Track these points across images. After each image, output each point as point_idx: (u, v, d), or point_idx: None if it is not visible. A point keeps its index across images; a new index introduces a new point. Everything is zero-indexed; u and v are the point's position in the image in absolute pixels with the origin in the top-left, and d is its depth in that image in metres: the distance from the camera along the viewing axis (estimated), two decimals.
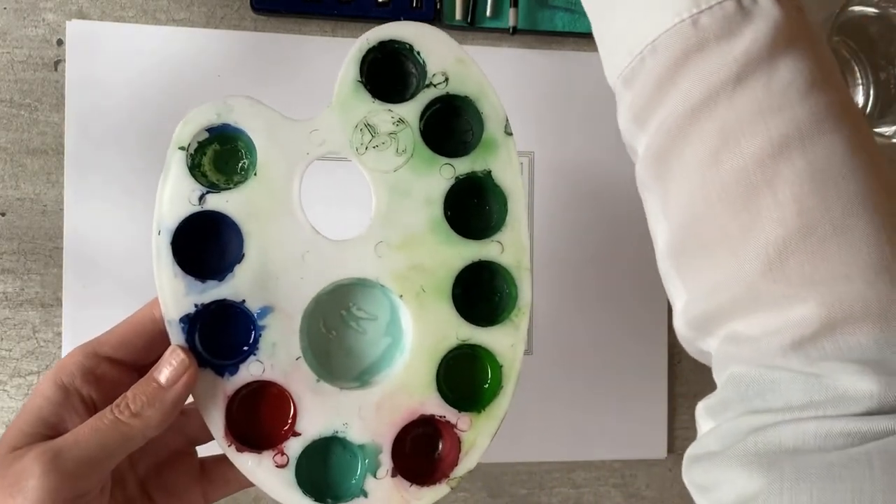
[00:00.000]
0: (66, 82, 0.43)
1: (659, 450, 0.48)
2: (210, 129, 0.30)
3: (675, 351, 0.48)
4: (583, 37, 0.46)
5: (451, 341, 0.31)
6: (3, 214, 0.43)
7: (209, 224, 0.30)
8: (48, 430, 0.27)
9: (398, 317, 0.32)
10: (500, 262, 0.31)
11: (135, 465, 0.32)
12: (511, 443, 0.47)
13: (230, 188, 0.30)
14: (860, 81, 0.44)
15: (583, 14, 0.46)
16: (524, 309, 0.32)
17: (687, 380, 0.48)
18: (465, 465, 0.31)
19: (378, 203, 0.31)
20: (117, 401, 0.28)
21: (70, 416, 0.28)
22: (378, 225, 0.31)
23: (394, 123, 0.31)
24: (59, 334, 0.43)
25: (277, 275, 0.30)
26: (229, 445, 0.30)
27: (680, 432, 0.48)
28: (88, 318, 0.43)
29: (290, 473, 0.30)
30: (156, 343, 0.30)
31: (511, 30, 0.45)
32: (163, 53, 0.44)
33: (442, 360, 0.31)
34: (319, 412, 0.30)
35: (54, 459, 0.26)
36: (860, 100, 0.44)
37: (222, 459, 0.32)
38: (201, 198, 0.29)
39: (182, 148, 0.29)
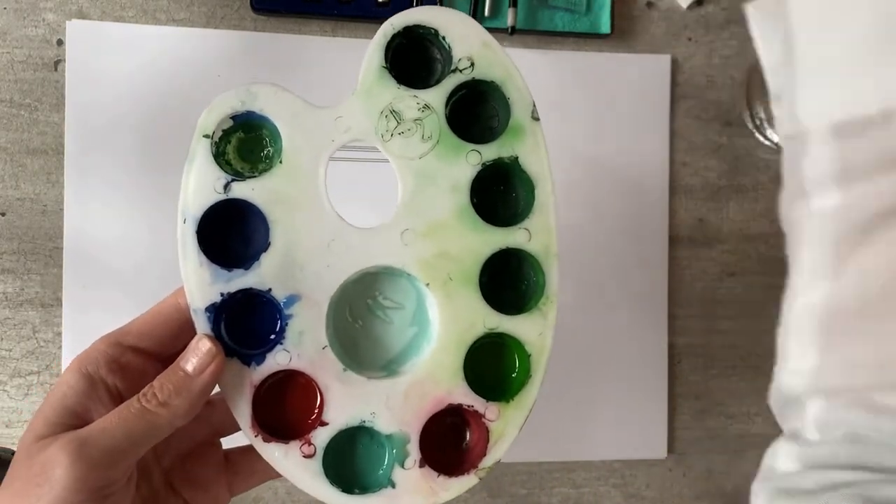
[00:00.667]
0: (66, 82, 0.43)
1: (659, 450, 0.48)
2: (234, 117, 0.30)
3: (675, 351, 0.48)
4: (582, 37, 0.47)
5: (478, 330, 0.31)
6: (3, 214, 0.43)
7: (234, 212, 0.29)
8: (74, 419, 0.27)
9: (425, 305, 0.32)
10: (528, 249, 0.31)
11: (160, 458, 0.31)
12: (511, 443, 0.47)
13: (255, 176, 0.29)
14: None
15: (582, 14, 0.46)
16: (552, 297, 0.31)
17: (687, 380, 0.48)
18: (494, 455, 0.31)
19: (404, 190, 0.30)
20: (144, 390, 0.27)
21: (95, 405, 0.27)
22: (404, 212, 0.30)
23: (419, 109, 0.30)
24: (59, 334, 0.43)
25: (304, 263, 0.29)
26: (256, 436, 0.29)
27: (680, 432, 0.48)
28: (88, 318, 0.43)
29: (317, 464, 0.30)
30: (181, 332, 0.29)
31: (510, 30, 0.45)
32: (163, 53, 0.44)
33: (469, 349, 0.31)
34: (346, 402, 0.30)
35: (81, 448, 0.25)
36: None
37: (248, 450, 0.31)
38: (226, 186, 0.29)
39: (206, 136, 0.29)
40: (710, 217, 0.48)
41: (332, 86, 0.44)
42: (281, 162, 0.29)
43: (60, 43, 0.43)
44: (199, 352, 0.28)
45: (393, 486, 0.30)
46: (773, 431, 0.50)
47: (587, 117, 0.47)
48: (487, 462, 0.31)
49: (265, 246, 0.29)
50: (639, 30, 0.48)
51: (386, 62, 0.30)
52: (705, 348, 0.49)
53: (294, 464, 0.30)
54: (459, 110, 0.31)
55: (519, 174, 0.31)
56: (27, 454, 0.26)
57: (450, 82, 0.31)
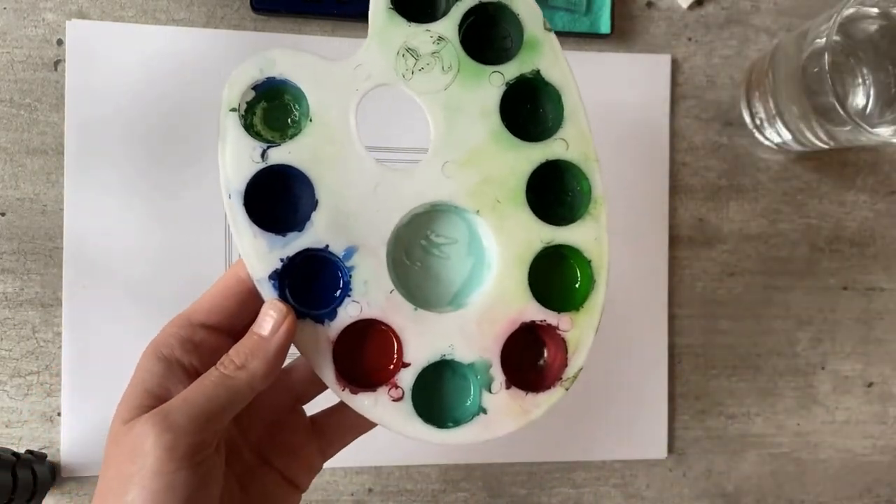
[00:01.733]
0: (65, 82, 0.43)
1: (659, 450, 0.48)
2: (256, 87, 0.30)
3: (675, 351, 0.48)
4: (583, 37, 0.47)
5: (535, 246, 0.31)
6: (3, 214, 0.43)
7: (277, 178, 0.30)
8: (155, 401, 0.27)
9: (477, 234, 0.32)
10: (568, 158, 0.31)
11: (246, 433, 0.32)
12: (511, 443, 0.47)
13: (288, 140, 0.30)
14: (859, 82, 0.44)
15: (582, 14, 0.46)
16: (600, 200, 0.32)
17: (687, 380, 0.48)
18: (575, 363, 0.32)
19: (435, 125, 0.31)
20: (221, 359, 0.28)
21: (175, 385, 0.28)
22: (440, 146, 0.31)
23: (434, 42, 0.31)
24: (59, 334, 0.43)
25: (354, 214, 0.30)
26: (343, 390, 0.30)
27: (680, 432, 0.48)
28: (88, 318, 0.43)
29: (407, 405, 0.30)
30: (247, 304, 0.30)
31: None
32: (162, 53, 0.44)
33: (531, 267, 0.31)
34: (423, 339, 0.30)
35: (165, 419, 0.26)
36: (859, 101, 0.44)
37: (332, 411, 0.32)
38: (263, 154, 0.29)
39: (233, 109, 0.29)
40: (710, 217, 0.48)
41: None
42: (311, 121, 0.30)
43: (60, 43, 0.43)
44: (270, 314, 0.28)
45: (485, 412, 0.31)
46: (773, 431, 0.50)
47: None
48: (570, 372, 0.31)
49: (313, 204, 0.30)
50: (639, 30, 0.48)
51: (391, 3, 0.30)
52: (705, 348, 0.48)
53: (385, 409, 0.30)
54: (473, 36, 0.31)
55: (543, 86, 0.32)
56: (115, 439, 0.27)
57: (457, 10, 0.31)
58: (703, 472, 0.49)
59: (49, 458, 0.42)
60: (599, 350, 0.47)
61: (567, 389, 0.31)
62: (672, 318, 0.48)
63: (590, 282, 0.32)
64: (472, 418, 0.30)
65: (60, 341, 0.43)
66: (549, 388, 0.31)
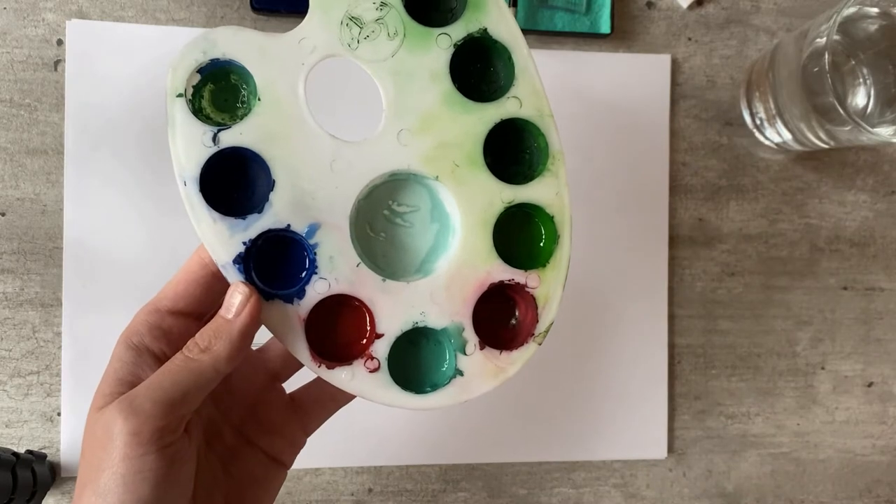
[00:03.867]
0: (65, 82, 0.43)
1: (659, 450, 0.48)
2: (201, 70, 0.29)
3: (675, 351, 0.48)
4: (582, 37, 0.47)
5: (497, 206, 0.31)
6: (3, 214, 0.43)
7: (231, 161, 0.29)
8: (126, 388, 0.28)
9: (439, 200, 0.32)
10: (522, 116, 0.31)
11: (226, 414, 0.32)
12: (511, 443, 0.47)
13: (239, 122, 0.29)
14: (859, 82, 0.44)
15: (582, 14, 0.46)
16: (558, 155, 0.32)
17: (687, 380, 0.48)
18: (546, 319, 0.32)
19: (386, 93, 0.30)
20: (187, 344, 0.28)
21: (144, 371, 0.28)
22: (393, 115, 0.30)
23: (377, 9, 0.30)
24: (59, 334, 0.43)
25: (313, 190, 0.29)
26: (319, 366, 0.30)
27: (680, 432, 0.48)
28: (88, 318, 0.43)
29: (384, 375, 0.30)
30: (213, 288, 0.30)
31: None
32: (163, 53, 0.44)
33: (495, 228, 0.31)
34: (394, 309, 0.30)
35: (131, 405, 0.26)
36: (859, 100, 0.44)
37: (311, 386, 0.32)
38: (215, 138, 0.29)
39: (180, 95, 0.29)
40: (710, 217, 0.48)
41: (331, 84, 0.44)
42: (259, 100, 0.29)
43: (60, 43, 0.43)
44: (234, 296, 0.28)
45: (461, 374, 0.31)
46: (772, 431, 0.50)
47: (587, 117, 0.47)
48: (541, 327, 0.32)
49: (271, 185, 0.29)
50: (639, 30, 0.48)
51: None
52: (705, 348, 0.48)
53: (363, 381, 0.30)
54: (416, 0, 0.31)
55: (492, 45, 0.31)
56: (89, 427, 0.27)
57: None
58: (703, 472, 0.49)
59: (49, 458, 0.42)
60: (599, 350, 0.47)
61: (539, 344, 0.32)
62: (672, 318, 0.48)
63: (554, 237, 0.32)
64: (450, 381, 0.31)
65: (60, 341, 0.43)
66: (522, 344, 0.32)
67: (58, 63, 0.43)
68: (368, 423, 0.45)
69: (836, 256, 0.50)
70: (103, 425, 0.26)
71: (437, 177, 0.31)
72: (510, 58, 0.31)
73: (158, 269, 0.43)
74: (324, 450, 0.45)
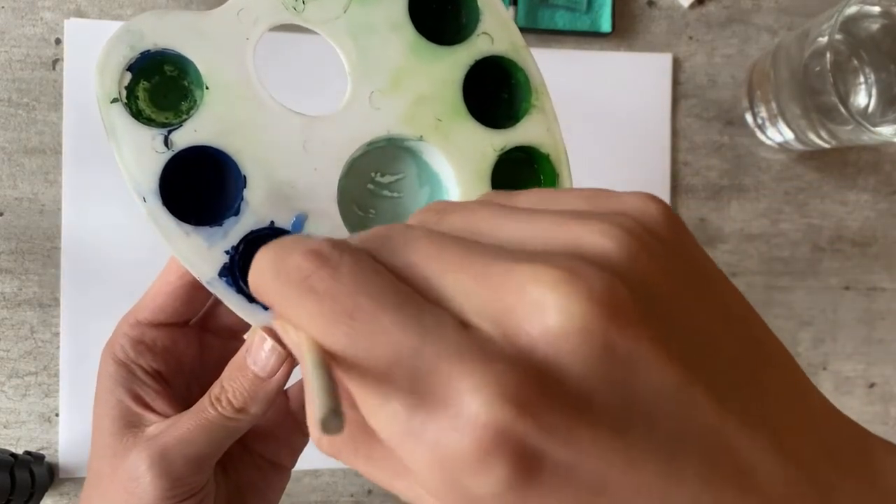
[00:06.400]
0: (64, 81, 0.43)
1: None
2: (131, 67, 0.25)
3: None
4: (583, 35, 0.46)
5: (490, 156, 0.28)
6: (1, 214, 0.43)
7: (191, 164, 0.25)
8: (132, 406, 0.27)
9: (424, 161, 0.29)
10: (496, 52, 0.28)
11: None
12: None
13: (188, 118, 0.25)
14: (861, 81, 0.44)
15: (583, 13, 0.46)
16: (541, 89, 0.29)
17: None
18: None
19: (346, 54, 0.27)
20: (215, 392, 0.26)
21: (142, 388, 0.27)
22: (359, 77, 0.27)
23: None
24: (57, 334, 0.43)
25: (291, 178, 0.26)
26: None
27: None
28: (86, 319, 0.42)
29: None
30: (193, 298, 0.28)
31: None
32: None
33: (491, 178, 0.28)
34: None
35: (162, 462, 0.25)
36: (861, 100, 0.44)
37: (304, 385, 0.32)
38: (167, 140, 0.25)
39: (115, 100, 0.25)
40: (711, 217, 0.48)
41: (330, 84, 0.44)
42: (207, 88, 0.25)
43: (58, 42, 0.43)
44: (263, 351, 0.25)
45: None
46: None
47: (587, 116, 0.47)
48: None
49: (242, 182, 0.26)
50: (640, 29, 0.48)
51: None
52: None
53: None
54: None
55: None
56: (102, 454, 0.26)
57: None
58: None
59: (47, 459, 0.42)
60: None
61: None
62: None
63: (553, 175, 0.29)
64: None
65: (58, 342, 0.42)
66: None
67: (56, 62, 0.43)
68: None
69: (837, 256, 0.50)
70: (127, 470, 0.25)
71: (421, 136, 0.27)
72: None
73: (157, 269, 0.43)
74: None
